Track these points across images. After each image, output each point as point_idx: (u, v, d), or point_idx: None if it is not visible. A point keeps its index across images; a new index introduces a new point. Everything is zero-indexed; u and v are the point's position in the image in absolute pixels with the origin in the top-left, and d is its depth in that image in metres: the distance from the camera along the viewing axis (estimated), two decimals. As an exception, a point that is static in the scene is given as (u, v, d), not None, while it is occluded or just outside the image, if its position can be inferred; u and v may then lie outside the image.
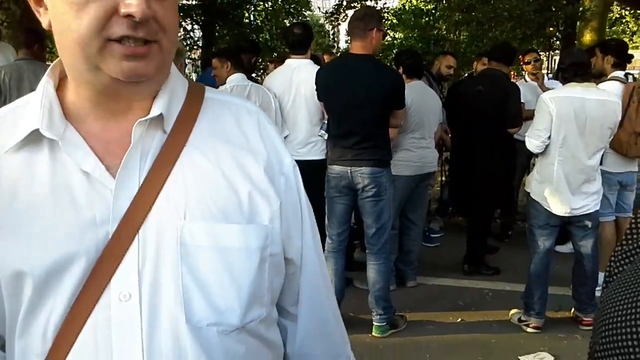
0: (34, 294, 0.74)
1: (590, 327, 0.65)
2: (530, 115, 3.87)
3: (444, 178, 5.91)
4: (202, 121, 0.83)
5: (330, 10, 15.32)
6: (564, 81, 3.42)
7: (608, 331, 0.62)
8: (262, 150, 0.85)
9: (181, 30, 16.79)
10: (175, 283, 0.75)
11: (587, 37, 8.48)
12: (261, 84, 4.01)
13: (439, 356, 3.23)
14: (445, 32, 13.74)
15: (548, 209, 3.38)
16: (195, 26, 12.62)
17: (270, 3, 14.63)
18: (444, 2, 13.01)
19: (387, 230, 3.39)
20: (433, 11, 14.91)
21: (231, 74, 3.87)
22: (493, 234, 5.13)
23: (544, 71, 8.85)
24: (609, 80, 3.91)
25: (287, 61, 3.90)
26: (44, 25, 0.77)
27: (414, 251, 4.27)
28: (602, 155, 3.41)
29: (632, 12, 12.28)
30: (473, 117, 4.36)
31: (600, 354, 0.63)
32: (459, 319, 3.70)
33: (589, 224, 3.41)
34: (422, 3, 16.52)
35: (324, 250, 1.41)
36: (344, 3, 14.80)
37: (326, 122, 3.66)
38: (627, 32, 15.90)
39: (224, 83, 3.84)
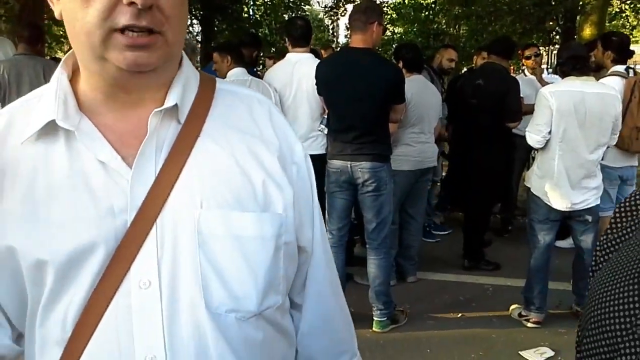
0: (54, 282, 0.75)
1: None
2: (529, 110, 3.86)
3: (444, 174, 5.91)
4: (214, 111, 0.84)
5: (330, 4, 15.31)
6: (562, 75, 3.41)
7: (597, 317, 0.62)
8: (274, 139, 0.86)
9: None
10: (194, 270, 0.76)
11: (587, 32, 8.47)
12: (262, 78, 4.00)
13: (439, 351, 3.23)
14: (445, 27, 13.71)
15: (548, 203, 3.37)
16: (194, 21, 12.59)
17: (269, -3, 14.61)
18: (444, -4, 12.99)
19: (387, 225, 3.38)
20: (433, 5, 14.89)
21: (231, 68, 3.86)
22: (493, 229, 5.13)
23: (544, 66, 8.83)
24: (609, 75, 3.90)
25: (288, 55, 3.89)
26: (56, 15, 0.77)
27: (413, 246, 4.27)
28: (603, 149, 3.40)
29: (632, 6, 12.25)
30: (472, 111, 4.36)
31: (588, 339, 0.64)
32: (460, 314, 3.70)
33: (589, 218, 3.41)
34: (422, -3, 16.48)
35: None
36: (343, -3, 14.79)
37: (326, 116, 3.65)
38: (627, 27, 15.87)
39: (225, 77, 3.83)
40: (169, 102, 0.78)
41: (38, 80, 4.02)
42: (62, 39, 14.89)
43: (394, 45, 15.03)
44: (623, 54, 3.97)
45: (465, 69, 9.68)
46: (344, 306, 1.03)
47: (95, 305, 0.74)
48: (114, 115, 0.79)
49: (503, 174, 4.60)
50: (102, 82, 0.77)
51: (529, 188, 3.52)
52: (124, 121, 0.79)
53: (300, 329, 0.95)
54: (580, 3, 8.67)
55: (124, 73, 0.74)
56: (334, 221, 3.40)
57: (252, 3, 14.25)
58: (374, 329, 3.43)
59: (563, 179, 3.31)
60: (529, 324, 3.52)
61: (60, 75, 0.80)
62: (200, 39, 12.68)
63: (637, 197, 0.75)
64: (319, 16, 21.88)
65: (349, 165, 3.23)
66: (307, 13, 19.10)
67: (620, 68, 3.92)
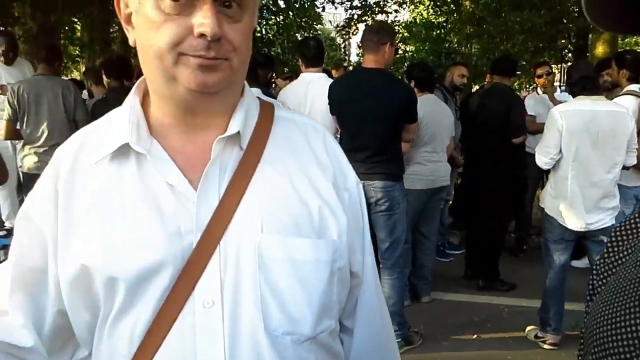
0: (124, 298, 0.78)
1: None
2: (541, 129, 3.86)
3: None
4: (273, 138, 0.88)
5: (342, 23, 15.44)
6: (573, 95, 3.43)
7: (599, 340, 0.62)
8: (329, 166, 0.91)
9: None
10: (254, 292, 0.79)
11: (600, 49, 8.45)
12: (275, 98, 4.03)
13: (454, 373, 3.19)
14: (456, 45, 13.75)
15: (562, 223, 3.35)
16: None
17: (282, 17, 14.76)
18: (455, 15, 13.05)
19: (401, 245, 3.37)
20: (444, 24, 14.95)
21: (247, 88, 3.89)
22: (507, 248, 5.09)
23: (557, 83, 8.82)
24: (624, 94, 3.89)
25: (302, 75, 3.92)
26: (130, 42, 0.83)
27: (427, 266, 4.24)
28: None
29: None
30: (478, 130, 4.45)
31: None
32: (475, 335, 3.66)
33: (604, 238, 3.36)
34: (433, 16, 16.56)
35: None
36: (355, 16, 14.92)
37: (339, 135, 3.67)
38: (640, 44, 15.83)
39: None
40: (232, 130, 0.83)
41: (56, 101, 4.08)
42: (78, 59, 15.16)
43: (405, 64, 15.09)
44: (638, 72, 3.97)
45: (477, 87, 9.68)
46: (391, 331, 1.05)
47: (161, 321, 0.77)
48: (181, 139, 0.84)
49: (509, 192, 4.58)
50: (173, 105, 0.82)
51: (543, 208, 3.50)
52: (190, 145, 0.84)
53: (351, 350, 0.97)
54: (593, 21, 8.65)
55: (193, 94, 0.79)
56: (347, 241, 3.38)
57: (264, 23, 14.42)
58: (387, 349, 3.39)
59: (577, 199, 3.28)
60: (545, 346, 3.47)
61: (132, 100, 0.86)
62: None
63: (632, 221, 0.75)
64: (331, 35, 22.06)
65: (361, 185, 3.23)
66: (319, 32, 19.27)
67: (635, 87, 3.91)
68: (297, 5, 14.60)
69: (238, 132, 0.83)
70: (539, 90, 5.57)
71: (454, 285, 4.52)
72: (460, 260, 5.15)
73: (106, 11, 10.84)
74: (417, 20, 17.04)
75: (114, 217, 0.79)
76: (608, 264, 0.74)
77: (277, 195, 0.83)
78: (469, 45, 11.75)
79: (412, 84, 4.06)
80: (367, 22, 14.88)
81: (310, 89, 3.76)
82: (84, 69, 12.52)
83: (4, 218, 4.90)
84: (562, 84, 12.90)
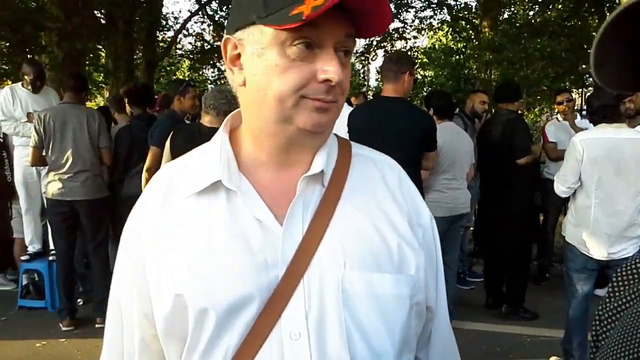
0: (214, 328, 0.81)
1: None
2: (562, 155, 3.84)
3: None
4: (352, 176, 0.91)
5: (361, 49, 15.57)
6: (594, 123, 3.41)
7: None
8: (404, 203, 0.93)
9: (216, 71, 17.29)
10: (339, 326, 0.81)
11: (621, 75, 8.38)
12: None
13: (475, 405, 3.13)
14: (475, 71, 13.76)
15: (585, 252, 3.30)
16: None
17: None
18: (474, 41, 13.09)
19: (421, 273, 3.34)
20: (463, 49, 15.00)
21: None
22: (530, 276, 5.01)
23: (577, 107, 8.75)
24: (646, 121, 3.85)
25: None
26: (238, 82, 0.86)
27: (448, 294, 4.17)
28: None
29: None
30: (488, 156, 4.53)
31: None
32: (496, 366, 3.60)
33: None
34: (452, 42, 16.64)
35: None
36: (374, 43, 15.04)
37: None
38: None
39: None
40: (316, 168, 0.86)
41: (81, 129, 4.15)
42: (102, 85, 15.48)
43: (424, 89, 15.14)
44: (661, 100, 3.94)
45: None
46: (459, 358, 1.07)
47: (246, 351, 0.80)
48: (269, 175, 0.88)
49: (521, 215, 4.53)
50: (273, 143, 0.86)
51: (564, 236, 3.45)
52: (277, 182, 0.88)
53: None
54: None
55: (304, 134, 0.83)
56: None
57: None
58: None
59: (599, 227, 3.23)
60: (569, 378, 3.39)
61: (223, 136, 0.90)
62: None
63: (634, 265, 0.74)
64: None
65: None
66: (338, 58, 19.43)
67: (658, 114, 3.88)
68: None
69: (322, 171, 0.86)
70: (559, 116, 5.54)
71: (476, 314, 4.46)
72: (482, 287, 5.09)
73: (130, 40, 11.12)
74: (436, 46, 17.13)
75: (205, 249, 0.83)
76: (611, 310, 0.73)
77: (357, 231, 0.86)
78: (488, 72, 11.75)
79: (431, 112, 4.08)
80: (386, 48, 15.01)
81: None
82: (107, 94, 12.78)
83: (27, 243, 4.97)
84: (583, 110, 12.82)
